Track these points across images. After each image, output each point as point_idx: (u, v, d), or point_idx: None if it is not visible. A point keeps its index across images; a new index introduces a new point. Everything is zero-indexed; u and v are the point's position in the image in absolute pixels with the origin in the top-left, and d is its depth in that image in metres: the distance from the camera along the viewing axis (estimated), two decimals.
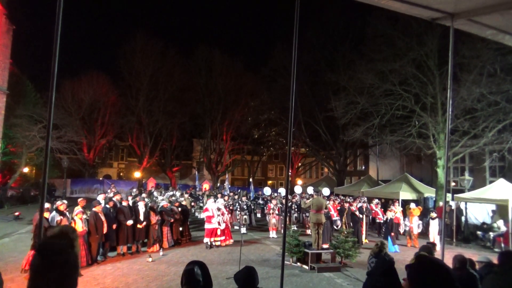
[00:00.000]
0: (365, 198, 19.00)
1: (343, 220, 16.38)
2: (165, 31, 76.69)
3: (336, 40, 28.28)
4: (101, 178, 38.29)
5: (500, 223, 15.98)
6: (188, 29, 78.66)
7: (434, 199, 19.76)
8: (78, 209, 9.71)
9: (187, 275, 2.61)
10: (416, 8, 4.88)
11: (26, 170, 28.92)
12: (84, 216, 9.76)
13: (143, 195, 14.87)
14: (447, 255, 5.56)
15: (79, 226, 9.37)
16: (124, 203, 11.30)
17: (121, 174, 47.59)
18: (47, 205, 9.09)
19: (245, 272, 3.42)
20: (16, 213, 17.90)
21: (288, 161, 4.30)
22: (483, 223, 17.18)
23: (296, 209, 18.84)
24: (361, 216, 15.71)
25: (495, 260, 4.80)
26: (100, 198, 11.09)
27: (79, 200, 10.30)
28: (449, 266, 2.21)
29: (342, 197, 20.14)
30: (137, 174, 36.37)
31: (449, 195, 17.09)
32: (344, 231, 11.40)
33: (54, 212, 9.06)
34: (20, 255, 9.80)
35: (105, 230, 10.01)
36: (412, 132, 19.11)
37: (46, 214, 8.63)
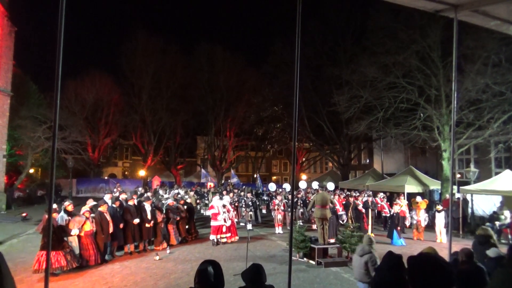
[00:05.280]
0: (370, 192, 18.97)
1: (349, 214, 16.41)
2: (166, 29, 76.64)
3: (337, 33, 28.10)
4: (106, 177, 38.51)
5: (507, 214, 15.90)
6: (189, 26, 78.57)
7: (439, 191, 19.69)
8: (85, 208, 9.79)
9: (200, 274, 2.65)
10: (419, 0, 4.85)
11: (31, 171, 29.09)
12: (92, 215, 9.84)
13: (148, 194, 14.91)
14: (454, 248, 5.55)
15: (88, 226, 9.45)
16: (130, 202, 11.35)
17: (126, 173, 47.81)
18: (54, 205, 9.16)
19: (252, 270, 3.44)
20: (24, 214, 18.04)
21: (294, 157, 4.30)
22: (494, 212, 17.10)
23: (301, 205, 18.83)
24: (363, 210, 15.72)
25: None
26: (107, 198, 11.16)
27: (88, 201, 10.42)
28: (446, 261, 2.21)
29: (347, 192, 20.10)
30: (141, 173, 36.53)
31: (454, 187, 17.02)
32: (350, 226, 11.41)
33: (62, 212, 9.12)
34: (29, 255, 9.89)
35: (111, 230, 10.08)
36: (416, 125, 18.99)
37: (54, 215, 8.70)
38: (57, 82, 2.97)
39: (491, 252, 4.83)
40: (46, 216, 9.09)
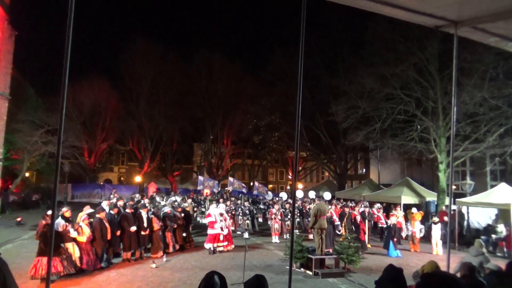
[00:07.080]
0: (367, 203, 18.97)
1: (343, 224, 16.38)
2: (165, 35, 76.73)
3: (335, 44, 28.35)
4: (102, 183, 38.29)
5: (501, 227, 15.96)
6: (188, 33, 78.85)
7: (436, 203, 19.75)
8: (83, 215, 9.75)
9: (205, 282, 2.67)
10: (420, 16, 4.92)
11: (27, 175, 28.86)
12: (91, 220, 9.82)
13: (146, 200, 14.84)
14: (450, 260, 5.56)
15: (86, 232, 9.41)
16: (128, 210, 11.30)
17: (122, 178, 47.59)
18: (50, 211, 9.09)
19: (254, 281, 3.44)
20: (18, 219, 17.86)
21: (296, 167, 4.33)
22: (488, 225, 17.15)
23: (298, 214, 18.79)
24: (361, 220, 15.71)
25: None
26: (105, 204, 11.11)
27: (85, 207, 10.37)
28: (459, 280, 2.23)
29: (343, 202, 20.11)
30: (137, 179, 36.37)
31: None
32: (348, 236, 11.42)
33: (59, 218, 9.06)
34: (24, 261, 9.78)
35: (109, 236, 10.04)
36: (413, 137, 19.10)
37: (50, 220, 8.66)
38: (63, 92, 2.99)
39: (492, 265, 4.86)
40: (43, 222, 9.08)
